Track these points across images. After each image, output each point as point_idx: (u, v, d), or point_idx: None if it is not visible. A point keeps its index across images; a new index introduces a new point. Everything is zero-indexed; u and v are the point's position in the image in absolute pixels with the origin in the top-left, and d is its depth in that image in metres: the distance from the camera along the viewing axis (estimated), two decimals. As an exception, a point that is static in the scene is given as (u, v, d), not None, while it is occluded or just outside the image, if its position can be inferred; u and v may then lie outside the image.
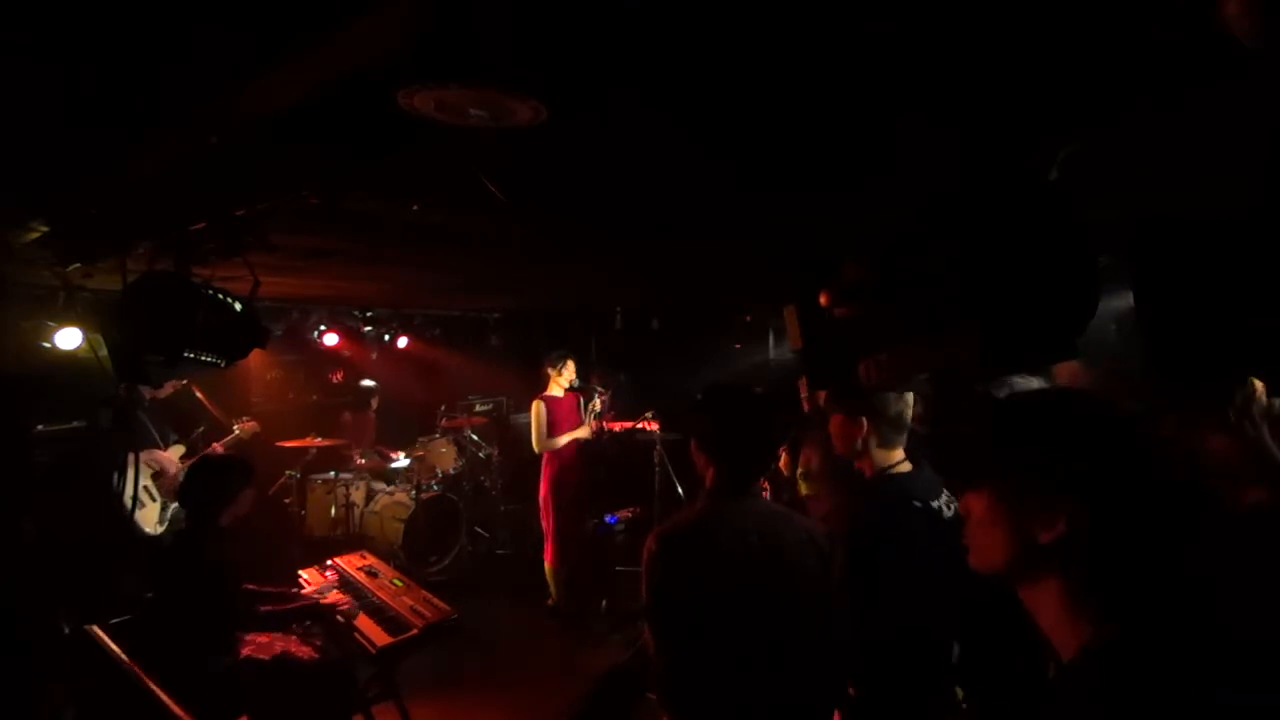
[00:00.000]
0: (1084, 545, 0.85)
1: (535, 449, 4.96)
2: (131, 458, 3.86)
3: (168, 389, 4.68)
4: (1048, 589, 0.88)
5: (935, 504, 1.89)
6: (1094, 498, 0.85)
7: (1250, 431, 1.39)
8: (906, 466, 1.95)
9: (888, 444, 1.94)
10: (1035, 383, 2.25)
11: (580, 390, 5.14)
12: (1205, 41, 1.07)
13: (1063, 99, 1.47)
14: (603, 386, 5.42)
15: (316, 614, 3.17)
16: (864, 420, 1.93)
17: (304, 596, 3.31)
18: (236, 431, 4.94)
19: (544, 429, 4.91)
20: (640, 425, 5.87)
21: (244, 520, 3.05)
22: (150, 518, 4.25)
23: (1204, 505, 1.51)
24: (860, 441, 1.94)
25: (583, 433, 5.05)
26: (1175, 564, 0.87)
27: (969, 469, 0.98)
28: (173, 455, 4.45)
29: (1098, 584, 0.85)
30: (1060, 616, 0.87)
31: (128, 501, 3.97)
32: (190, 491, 2.95)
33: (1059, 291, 1.29)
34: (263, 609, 2.99)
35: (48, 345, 3.47)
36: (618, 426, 6.01)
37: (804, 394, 2.71)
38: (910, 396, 1.95)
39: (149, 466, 4.31)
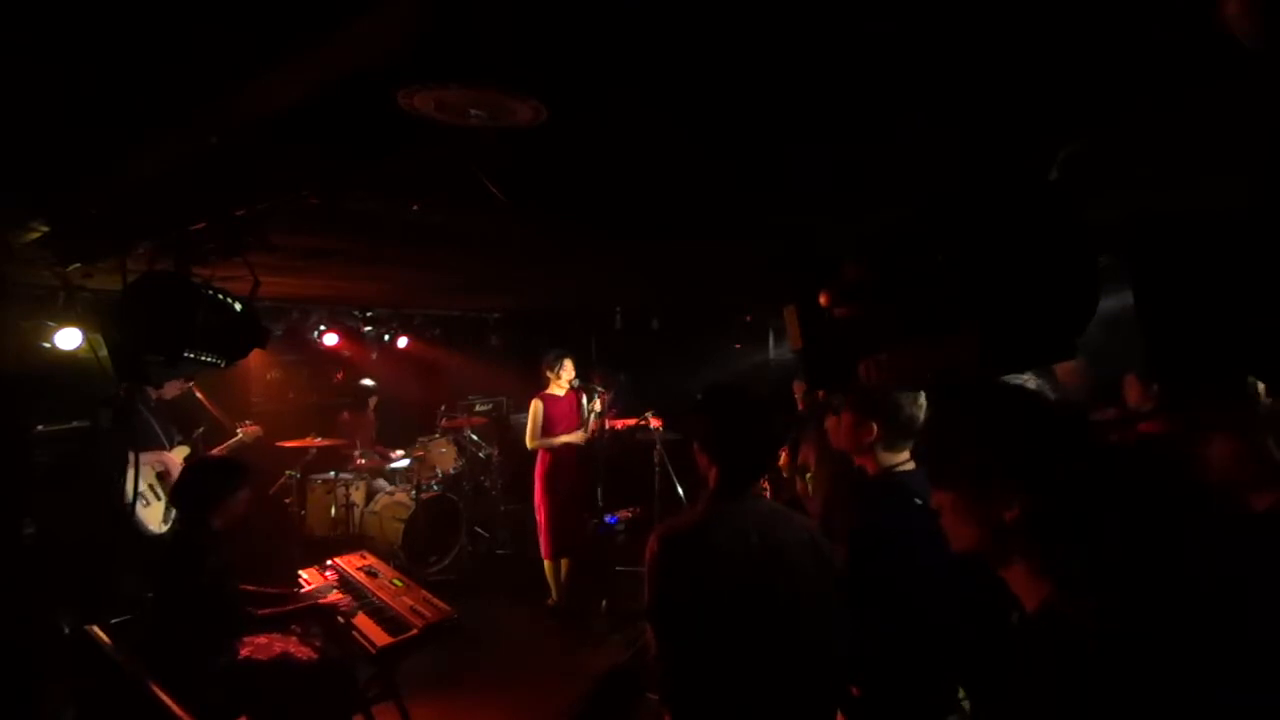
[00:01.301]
0: (1035, 524, 1.00)
1: (528, 445, 5.02)
2: (132, 457, 3.86)
3: (173, 390, 4.67)
4: (1015, 561, 1.03)
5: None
6: (1037, 486, 0.99)
7: (1261, 437, 1.40)
8: (910, 466, 1.95)
9: (893, 447, 1.94)
10: (1033, 383, 2.25)
11: (582, 389, 5.15)
12: (1205, 41, 1.06)
13: (1063, 99, 1.47)
14: (604, 386, 5.42)
15: (316, 614, 3.17)
16: (874, 425, 1.93)
17: (303, 596, 3.31)
18: (239, 435, 4.93)
19: (538, 427, 4.96)
20: (642, 422, 5.87)
21: (242, 520, 3.04)
22: (155, 516, 4.25)
23: (1171, 490, 1.54)
24: (868, 443, 1.95)
25: (575, 437, 5.06)
26: (1129, 537, 1.05)
27: (934, 469, 1.15)
28: (177, 456, 4.45)
29: (1051, 554, 1.00)
30: (1026, 581, 1.03)
31: (129, 500, 3.97)
32: (182, 493, 2.94)
33: (1059, 292, 1.29)
34: (262, 610, 2.99)
35: (48, 345, 3.47)
36: (619, 424, 6.02)
37: (798, 394, 2.71)
38: (923, 399, 1.95)
39: (153, 466, 4.32)
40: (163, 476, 4.35)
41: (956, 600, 1.80)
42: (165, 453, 4.40)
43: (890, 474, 1.94)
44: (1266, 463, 1.41)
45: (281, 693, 2.81)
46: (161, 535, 4.24)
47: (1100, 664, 0.86)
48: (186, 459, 4.49)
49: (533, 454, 5.06)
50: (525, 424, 5.10)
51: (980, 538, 1.05)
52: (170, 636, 2.71)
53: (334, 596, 3.26)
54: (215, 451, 4.73)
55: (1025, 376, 2.13)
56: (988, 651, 1.89)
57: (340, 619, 3.11)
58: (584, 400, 5.22)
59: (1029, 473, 1.00)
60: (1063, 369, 2.43)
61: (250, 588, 3.21)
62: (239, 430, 4.95)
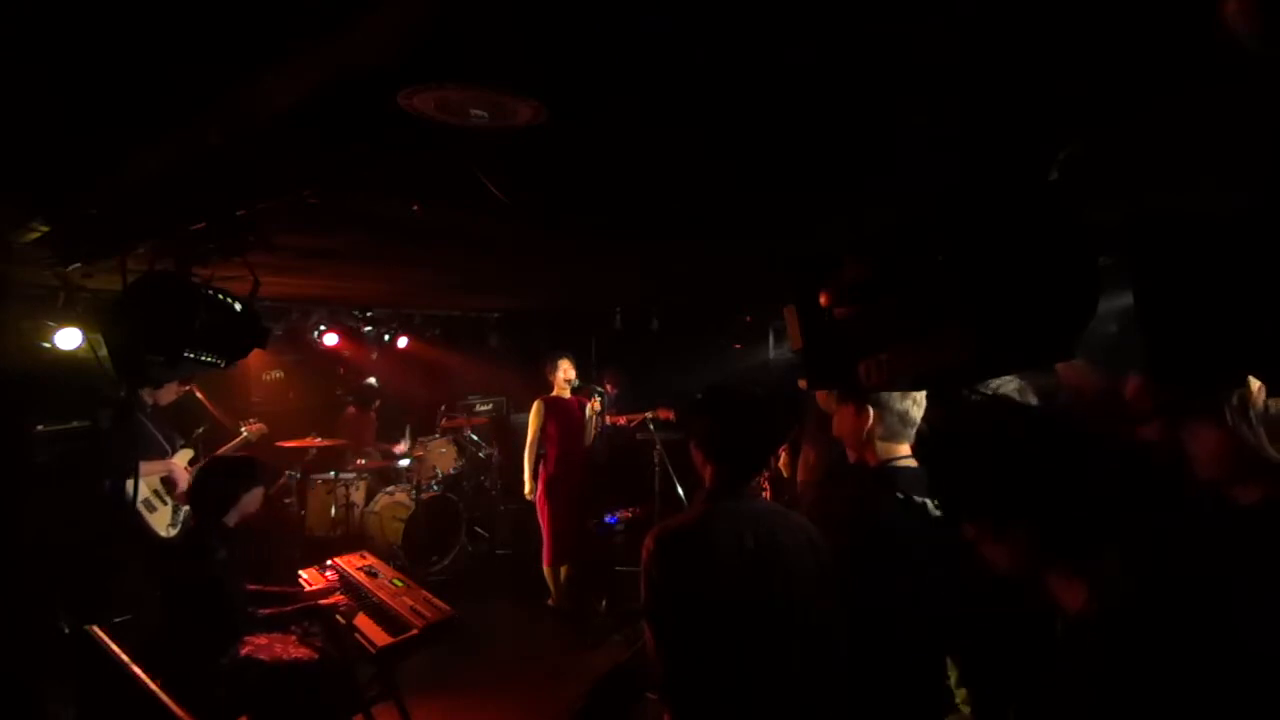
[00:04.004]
0: (1052, 543, 1.14)
1: (526, 450, 5.02)
2: (134, 467, 3.86)
3: (169, 395, 4.64)
4: (1048, 573, 1.16)
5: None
6: (1042, 512, 1.13)
7: (1248, 434, 1.40)
8: (911, 462, 1.95)
9: (892, 437, 1.94)
10: (1013, 384, 2.25)
11: (582, 390, 5.15)
12: (1205, 42, 1.07)
13: (1063, 99, 1.47)
14: (614, 385, 5.43)
15: (316, 615, 3.17)
16: (870, 410, 1.93)
17: (305, 596, 3.31)
18: (244, 434, 4.90)
19: (536, 432, 4.95)
20: (650, 416, 5.87)
21: (247, 520, 3.08)
22: (162, 521, 4.22)
23: (1168, 489, 1.58)
24: (866, 433, 1.95)
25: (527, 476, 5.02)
26: (1139, 542, 1.16)
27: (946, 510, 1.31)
28: (180, 461, 4.43)
29: (1080, 563, 1.13)
30: (1062, 589, 1.15)
31: (133, 504, 3.97)
32: (198, 493, 3.00)
33: (1058, 292, 1.29)
34: (263, 610, 3.00)
35: (48, 345, 3.47)
36: (624, 420, 6.03)
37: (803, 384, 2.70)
38: (920, 394, 1.95)
39: (157, 474, 4.30)
40: (167, 482, 4.33)
41: (954, 598, 1.81)
42: (169, 460, 4.38)
43: (891, 468, 1.94)
44: (1248, 455, 1.41)
45: (282, 692, 2.81)
46: (170, 539, 4.22)
47: (1155, 657, 0.93)
48: (191, 462, 4.48)
49: (534, 455, 5.06)
50: (524, 423, 5.10)
51: (1012, 561, 1.18)
52: (174, 635, 2.72)
53: (335, 598, 3.26)
54: (221, 451, 4.72)
55: (1010, 379, 2.13)
56: (986, 649, 1.89)
57: (340, 619, 3.11)
58: (585, 402, 5.22)
59: (1031, 503, 1.13)
60: (1067, 369, 2.43)
61: (254, 587, 3.21)
62: (243, 429, 4.92)
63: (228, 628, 2.83)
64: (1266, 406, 1.39)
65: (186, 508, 4.35)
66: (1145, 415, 1.75)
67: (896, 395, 1.92)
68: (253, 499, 3.03)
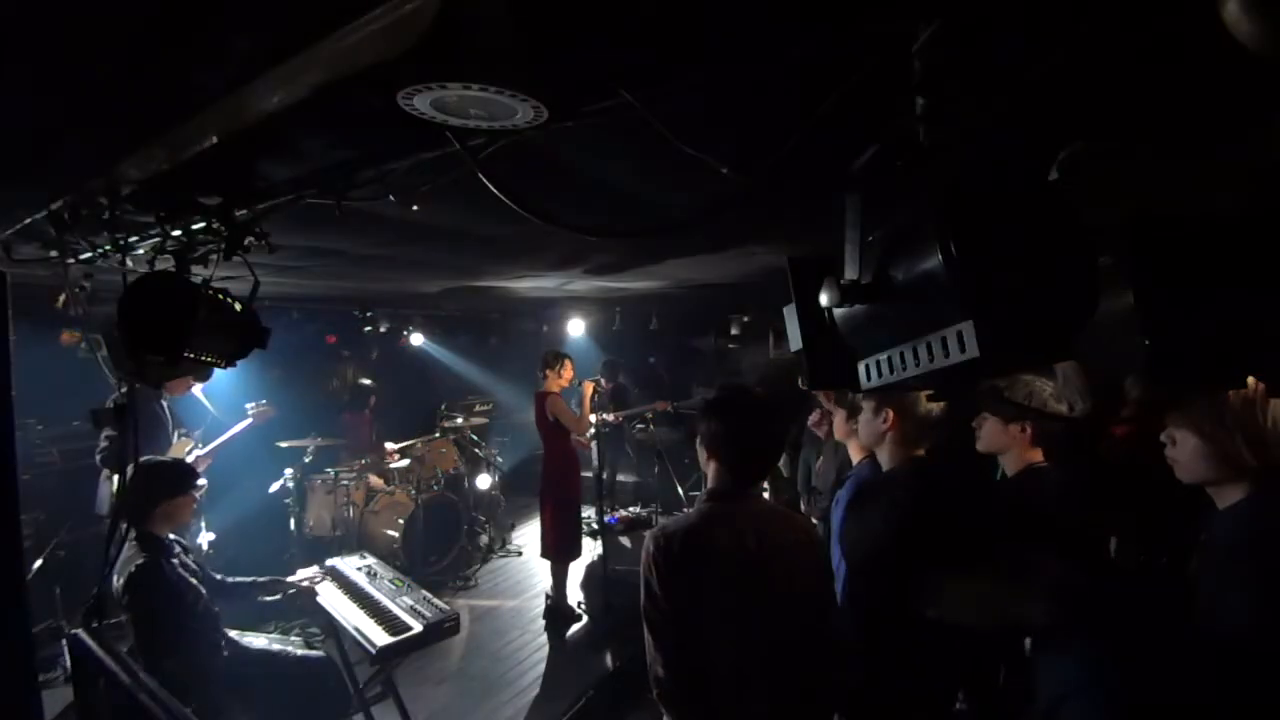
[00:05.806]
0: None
1: (581, 431, 5.04)
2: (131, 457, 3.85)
3: (181, 388, 4.61)
4: None
5: None
6: None
7: (1225, 439, 1.42)
8: None
9: (909, 441, 1.94)
10: (1048, 388, 2.25)
11: (573, 392, 5.17)
12: (1206, 41, 1.07)
13: (1064, 100, 1.47)
14: (609, 382, 5.45)
15: (280, 589, 3.21)
16: (890, 413, 1.92)
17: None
18: (250, 417, 4.79)
19: (575, 410, 4.98)
20: (650, 415, 5.89)
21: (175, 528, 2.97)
22: None
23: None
24: (881, 436, 1.94)
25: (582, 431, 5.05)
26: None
27: None
28: (179, 450, 4.44)
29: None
30: None
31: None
32: (128, 494, 2.78)
33: (1058, 292, 1.29)
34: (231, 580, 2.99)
35: (48, 345, 3.47)
36: (615, 417, 6.04)
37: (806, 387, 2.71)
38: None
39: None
40: None
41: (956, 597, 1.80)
42: (171, 446, 4.39)
43: (901, 470, 1.93)
44: (1231, 460, 1.43)
45: (281, 692, 2.81)
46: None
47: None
48: (189, 451, 4.48)
49: (535, 455, 5.06)
50: (525, 423, 5.11)
51: None
52: (162, 638, 2.70)
53: (306, 584, 3.31)
54: (225, 436, 4.66)
55: (1029, 377, 2.13)
56: (988, 646, 1.89)
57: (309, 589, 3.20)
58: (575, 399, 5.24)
59: None
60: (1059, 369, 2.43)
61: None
62: (249, 411, 4.84)
63: (208, 628, 2.79)
64: (1241, 410, 1.41)
65: None
66: (1139, 417, 1.76)
67: (920, 397, 1.90)
68: (175, 507, 2.80)
